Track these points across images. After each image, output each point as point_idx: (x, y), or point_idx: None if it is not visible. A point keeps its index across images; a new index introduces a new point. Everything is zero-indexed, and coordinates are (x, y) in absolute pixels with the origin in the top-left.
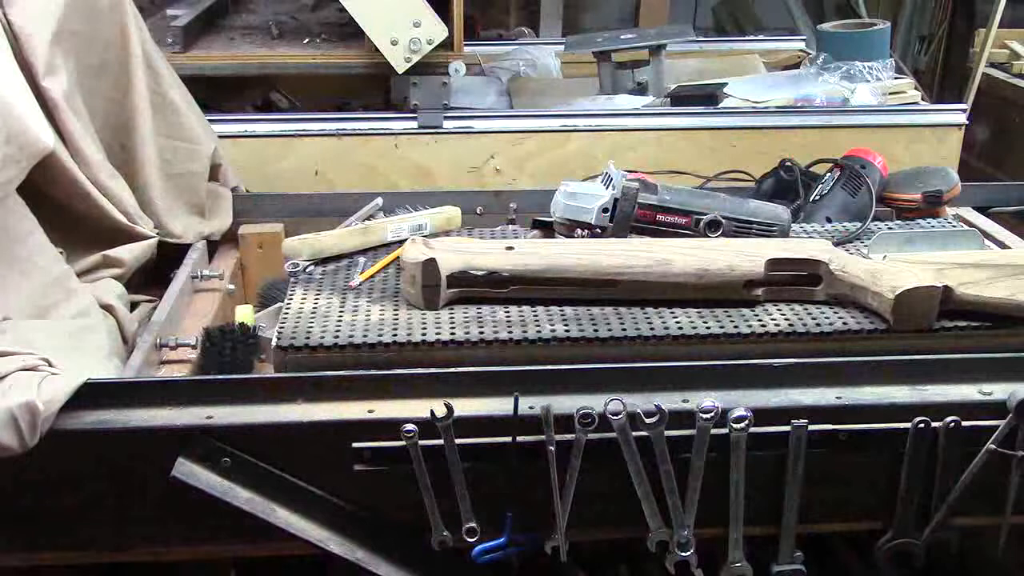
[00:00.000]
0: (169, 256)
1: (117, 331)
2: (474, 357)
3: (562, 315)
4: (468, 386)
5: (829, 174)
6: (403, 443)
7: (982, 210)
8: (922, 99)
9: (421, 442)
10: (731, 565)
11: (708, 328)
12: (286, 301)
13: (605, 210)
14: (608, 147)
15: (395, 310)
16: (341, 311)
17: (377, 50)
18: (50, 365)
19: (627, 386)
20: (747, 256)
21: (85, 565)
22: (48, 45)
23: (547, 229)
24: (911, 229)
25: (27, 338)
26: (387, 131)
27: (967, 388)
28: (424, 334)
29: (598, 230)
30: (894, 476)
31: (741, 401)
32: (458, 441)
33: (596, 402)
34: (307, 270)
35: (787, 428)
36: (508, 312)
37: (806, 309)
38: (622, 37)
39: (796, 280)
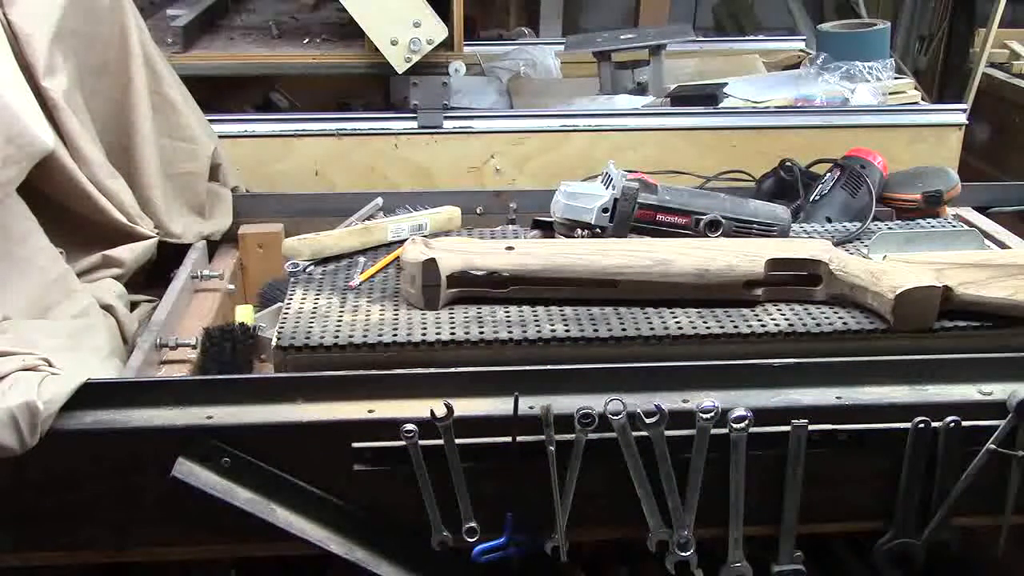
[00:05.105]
0: (169, 256)
1: (117, 331)
2: (474, 357)
3: (562, 315)
4: (468, 386)
5: (829, 174)
6: (403, 443)
7: (982, 210)
8: (922, 99)
9: (421, 442)
10: (731, 565)
11: (708, 328)
12: (286, 301)
13: (605, 210)
14: (608, 147)
15: (395, 310)
16: (341, 311)
17: (377, 50)
18: (50, 365)
19: (627, 386)
20: (747, 256)
21: (85, 565)
22: (48, 45)
23: (547, 229)
24: (911, 229)
25: (27, 338)
26: (387, 131)
27: (967, 388)
28: (424, 334)
29: (598, 230)
30: (894, 476)
31: (741, 401)
32: (458, 441)
33: (596, 402)
34: (307, 270)
35: (787, 428)
36: (508, 312)
37: (806, 309)
38: (622, 37)
39: (796, 280)
